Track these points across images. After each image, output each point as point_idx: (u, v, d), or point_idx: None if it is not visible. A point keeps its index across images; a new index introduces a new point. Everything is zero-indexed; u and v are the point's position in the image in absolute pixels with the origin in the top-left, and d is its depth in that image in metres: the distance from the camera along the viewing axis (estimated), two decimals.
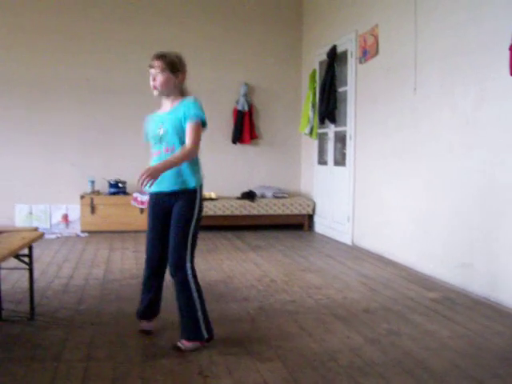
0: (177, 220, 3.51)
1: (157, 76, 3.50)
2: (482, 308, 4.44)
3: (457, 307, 4.46)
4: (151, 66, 3.52)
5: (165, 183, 3.49)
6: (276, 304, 4.52)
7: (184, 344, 3.48)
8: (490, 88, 4.73)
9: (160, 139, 3.52)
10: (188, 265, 3.49)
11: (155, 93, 3.57)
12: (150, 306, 3.81)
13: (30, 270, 4.07)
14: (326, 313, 4.29)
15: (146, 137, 3.72)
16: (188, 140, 3.42)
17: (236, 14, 9.14)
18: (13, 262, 4.17)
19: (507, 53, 4.31)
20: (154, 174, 3.26)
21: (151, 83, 3.53)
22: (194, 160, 3.52)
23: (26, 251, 4.00)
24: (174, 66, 3.53)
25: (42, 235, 4.28)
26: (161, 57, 3.52)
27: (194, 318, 3.47)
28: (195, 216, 3.52)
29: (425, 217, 5.69)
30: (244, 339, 3.68)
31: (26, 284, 4.25)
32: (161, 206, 3.62)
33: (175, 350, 3.46)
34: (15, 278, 5.16)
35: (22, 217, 8.46)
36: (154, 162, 3.51)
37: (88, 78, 8.65)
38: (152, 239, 3.72)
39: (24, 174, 8.52)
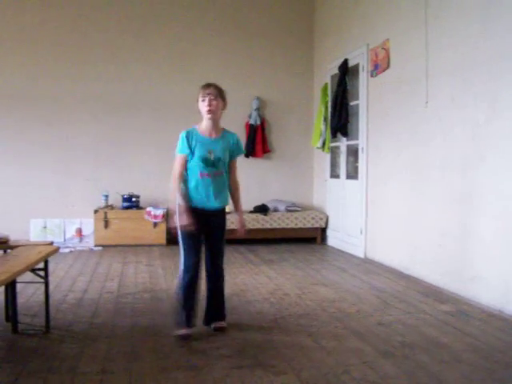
0: None
1: (212, 102, 4.00)
2: (495, 321, 4.43)
3: (470, 320, 4.45)
4: (207, 93, 4.00)
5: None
6: (289, 317, 4.53)
7: (223, 323, 4.18)
8: (502, 100, 4.74)
9: (212, 163, 4.03)
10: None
11: (210, 117, 4.03)
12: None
13: (46, 284, 4.12)
14: (339, 326, 4.30)
15: (190, 149, 4.02)
16: (235, 175, 4.25)
17: (247, 28, 9.22)
18: (28, 276, 4.22)
19: None
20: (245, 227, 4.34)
21: (206, 107, 4.00)
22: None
23: (41, 265, 4.05)
24: (223, 94, 4.11)
25: (57, 249, 4.33)
26: (215, 85, 4.07)
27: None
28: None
29: (437, 230, 5.68)
30: (258, 352, 3.70)
31: (42, 297, 4.29)
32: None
33: (220, 331, 4.09)
34: (31, 291, 5.21)
35: (36, 231, 8.54)
36: (205, 182, 4.03)
37: (101, 92, 8.74)
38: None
39: (38, 188, 8.61)
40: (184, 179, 4.06)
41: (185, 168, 4.04)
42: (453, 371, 3.35)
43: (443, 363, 3.48)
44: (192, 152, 4.02)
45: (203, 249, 4.15)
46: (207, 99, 3.99)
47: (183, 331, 4.00)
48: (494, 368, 3.43)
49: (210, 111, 4.00)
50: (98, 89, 8.76)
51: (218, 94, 4.02)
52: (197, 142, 4.02)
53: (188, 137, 4.03)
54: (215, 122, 4.08)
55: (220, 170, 4.06)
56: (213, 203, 4.06)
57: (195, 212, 4.01)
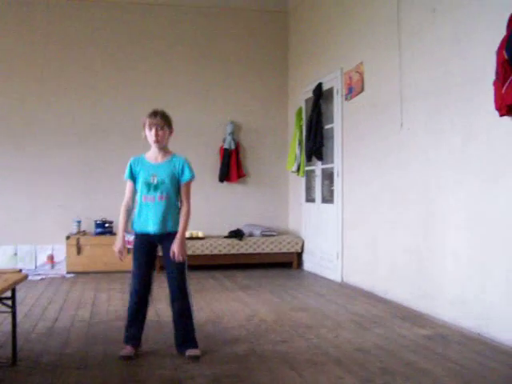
0: None
1: (158, 132, 4.08)
2: (475, 344, 4.37)
3: (449, 344, 4.39)
4: (154, 123, 4.07)
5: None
6: (266, 344, 4.42)
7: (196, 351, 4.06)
8: (477, 122, 4.74)
9: (155, 187, 4.08)
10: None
11: (157, 145, 4.13)
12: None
13: (13, 314, 3.95)
14: (317, 353, 4.19)
15: (131, 177, 4.19)
16: (185, 200, 4.14)
17: (222, 53, 9.21)
18: None
19: (491, 86, 4.33)
20: (182, 249, 4.10)
21: (153, 137, 4.09)
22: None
23: (8, 294, 3.89)
24: (170, 122, 4.17)
25: (25, 277, 4.17)
26: (162, 115, 4.13)
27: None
28: None
29: (415, 253, 5.64)
30: (234, 382, 3.58)
31: (9, 328, 4.12)
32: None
33: (192, 360, 3.95)
34: None
35: (6, 258, 8.33)
36: (148, 206, 4.09)
37: (73, 118, 8.64)
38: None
39: (8, 213, 8.42)
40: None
41: (132, 194, 4.20)
42: None
43: None
44: (136, 177, 4.17)
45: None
46: (154, 129, 4.08)
47: (124, 351, 4.06)
48: None
49: (156, 141, 4.11)
50: (71, 113, 8.66)
51: (164, 123, 4.11)
52: (142, 167, 4.15)
53: (133, 163, 4.19)
54: (161, 149, 4.17)
55: (164, 194, 4.09)
56: (155, 228, 4.10)
57: (141, 237, 4.18)
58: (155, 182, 4.08)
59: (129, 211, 4.22)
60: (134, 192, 4.21)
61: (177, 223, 4.13)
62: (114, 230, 8.44)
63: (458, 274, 4.98)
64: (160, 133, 4.09)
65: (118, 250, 4.17)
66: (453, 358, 4.03)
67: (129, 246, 7.95)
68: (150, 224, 4.09)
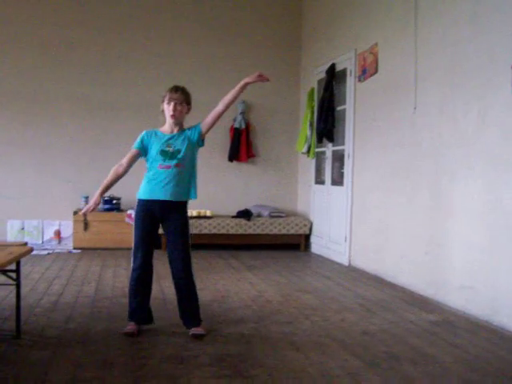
0: None
1: (177, 107, 4.04)
2: (483, 331, 4.31)
3: (457, 331, 4.33)
4: (174, 98, 4.03)
5: None
6: (271, 325, 4.38)
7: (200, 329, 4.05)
8: (492, 105, 4.64)
9: (171, 156, 4.03)
10: None
11: (173, 121, 4.08)
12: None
13: (18, 286, 3.93)
14: (323, 335, 4.15)
15: (141, 147, 4.13)
16: (216, 109, 4.10)
17: (234, 32, 9.10)
18: (1, 278, 4.04)
19: (509, 69, 4.22)
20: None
21: (171, 112, 4.04)
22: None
23: (13, 267, 3.86)
24: (189, 99, 4.14)
25: (30, 250, 4.14)
26: (183, 91, 4.09)
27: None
28: None
29: (424, 238, 5.57)
30: (238, 361, 3.54)
31: (14, 300, 4.09)
32: None
33: (196, 338, 3.92)
34: (3, 294, 5.00)
35: (13, 232, 8.33)
36: (164, 173, 4.02)
37: (83, 93, 8.57)
38: None
39: (16, 189, 8.41)
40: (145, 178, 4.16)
41: (130, 162, 4.14)
42: (441, 383, 3.23)
43: (431, 376, 3.35)
44: (146, 149, 4.12)
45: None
46: (172, 104, 4.05)
47: (128, 328, 4.05)
48: (484, 381, 3.31)
49: (173, 116, 4.08)
50: (79, 89, 8.58)
51: (184, 99, 4.09)
52: (155, 138, 4.11)
53: (146, 135, 4.15)
54: (177, 124, 4.14)
55: (180, 162, 4.04)
56: (166, 194, 4.04)
57: (146, 207, 4.09)
58: (171, 150, 4.05)
59: (117, 175, 4.14)
60: (133, 162, 4.16)
61: (188, 193, 4.10)
62: (122, 206, 8.41)
63: (468, 260, 4.91)
64: (178, 108, 4.05)
65: (88, 204, 4.08)
66: (460, 344, 3.97)
67: (129, 221, 7.96)
68: (163, 191, 4.03)
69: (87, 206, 4.10)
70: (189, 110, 4.16)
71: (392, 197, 6.25)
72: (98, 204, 4.14)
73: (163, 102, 4.11)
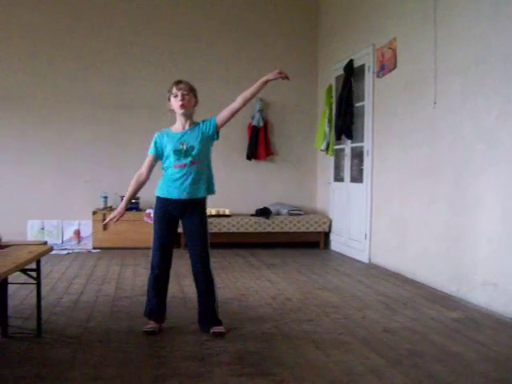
0: None
1: (185, 96, 4.00)
2: (508, 329, 4.24)
3: (481, 328, 4.26)
4: (179, 89, 4.00)
5: None
6: (292, 323, 4.35)
7: (221, 328, 4.03)
8: None
9: (185, 153, 3.99)
10: None
11: (183, 112, 4.02)
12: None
13: (38, 285, 3.94)
14: (344, 332, 4.11)
15: (156, 151, 4.11)
16: (232, 105, 4.06)
17: (250, 29, 9.07)
18: (22, 278, 4.06)
19: None
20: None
21: (179, 102, 3.99)
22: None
23: (33, 266, 3.87)
24: (195, 91, 4.10)
25: (50, 249, 4.15)
26: (185, 82, 4.07)
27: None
28: None
29: (446, 234, 5.50)
30: (258, 359, 3.51)
31: (34, 300, 4.10)
32: None
33: (217, 337, 3.91)
34: (24, 293, 5.03)
35: (33, 232, 8.38)
36: (178, 172, 3.99)
37: (101, 92, 8.60)
38: None
39: (36, 189, 8.46)
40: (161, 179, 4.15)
41: (150, 168, 4.13)
42: (466, 382, 3.17)
43: (455, 373, 3.30)
44: (162, 151, 4.09)
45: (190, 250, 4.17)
46: (180, 94, 4.00)
47: (148, 326, 4.05)
48: (508, 378, 3.25)
49: (182, 106, 4.01)
50: (97, 89, 8.61)
51: (189, 89, 4.04)
52: (168, 138, 4.07)
53: (158, 137, 4.11)
54: (188, 116, 4.08)
55: (195, 159, 4.01)
56: (184, 193, 4.01)
57: (164, 205, 4.08)
58: (185, 147, 4.00)
59: (139, 183, 4.13)
60: (152, 167, 4.14)
61: (207, 189, 4.07)
62: (141, 206, 8.42)
63: (490, 256, 4.83)
64: (186, 97, 4.01)
65: (113, 214, 4.10)
66: (484, 341, 3.91)
67: (148, 220, 7.97)
68: (180, 190, 4.00)
69: (111, 216, 4.11)
70: (196, 103, 4.11)
71: (412, 193, 6.18)
72: (123, 215, 4.15)
73: (169, 98, 4.08)
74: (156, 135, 4.13)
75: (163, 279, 4.15)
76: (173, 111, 4.11)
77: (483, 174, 4.95)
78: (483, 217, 4.95)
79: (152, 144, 4.12)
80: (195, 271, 4.11)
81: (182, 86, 4.01)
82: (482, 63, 4.97)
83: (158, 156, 4.11)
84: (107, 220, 4.14)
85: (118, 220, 4.11)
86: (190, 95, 4.03)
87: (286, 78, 4.05)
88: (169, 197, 4.05)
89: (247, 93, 4.07)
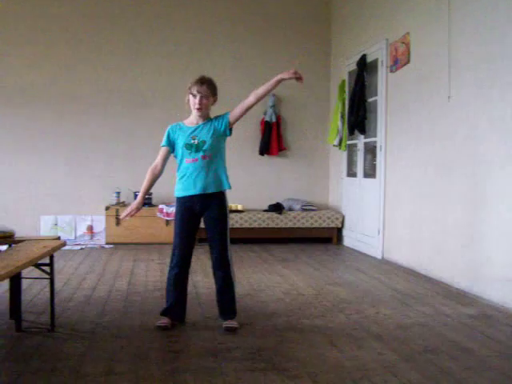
0: None
1: (202, 100, 4.00)
2: None
3: (496, 324, 4.22)
4: (200, 91, 3.99)
5: None
6: (305, 319, 4.34)
7: (234, 323, 4.04)
8: None
9: (196, 148, 4.00)
10: None
11: (198, 113, 4.04)
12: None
13: (51, 280, 3.96)
14: (357, 328, 4.09)
15: (168, 143, 4.13)
16: (245, 101, 4.01)
17: (263, 24, 9.04)
18: (36, 273, 4.07)
19: None
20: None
21: (197, 106, 4.01)
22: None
23: (47, 260, 3.89)
24: (215, 91, 4.09)
25: (63, 244, 4.17)
26: (209, 84, 4.04)
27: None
28: None
29: (461, 230, 5.46)
30: (271, 355, 3.51)
31: (48, 295, 4.12)
32: None
33: (229, 332, 3.92)
34: (38, 288, 5.07)
35: (47, 228, 8.41)
36: (191, 167, 4.01)
37: (115, 87, 8.62)
38: None
39: (49, 185, 8.48)
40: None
41: (164, 161, 4.14)
42: (480, 378, 3.14)
43: (469, 370, 3.27)
44: (174, 144, 4.11)
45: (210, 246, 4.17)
46: (198, 97, 4.01)
47: (161, 321, 4.06)
48: None
49: (199, 110, 4.03)
50: (111, 84, 8.63)
51: (210, 93, 4.04)
52: (180, 132, 4.08)
53: (171, 130, 4.13)
54: (202, 116, 4.09)
55: (207, 153, 4.01)
56: (199, 188, 4.02)
57: (184, 204, 4.09)
58: (196, 142, 4.01)
59: (154, 175, 4.15)
60: (166, 159, 4.15)
61: (221, 183, 4.06)
62: (154, 201, 8.44)
63: (506, 252, 4.78)
64: (204, 101, 4.01)
65: (130, 208, 4.12)
66: (499, 338, 3.87)
67: (168, 218, 7.98)
68: (193, 185, 4.01)
69: (128, 210, 4.12)
70: (214, 101, 4.12)
71: (426, 188, 6.14)
72: (140, 209, 4.16)
73: (188, 92, 4.06)
74: (169, 127, 4.15)
75: (182, 278, 4.15)
76: (189, 104, 4.11)
77: (498, 168, 4.91)
78: (500, 212, 4.90)
79: (165, 136, 4.14)
80: (213, 263, 4.13)
81: (203, 88, 4.00)
82: (497, 57, 4.92)
83: (170, 149, 4.13)
84: (124, 214, 4.13)
85: (134, 215, 4.12)
86: (209, 98, 4.03)
87: (300, 79, 4.05)
88: (186, 194, 4.06)
89: (260, 90, 4.04)
